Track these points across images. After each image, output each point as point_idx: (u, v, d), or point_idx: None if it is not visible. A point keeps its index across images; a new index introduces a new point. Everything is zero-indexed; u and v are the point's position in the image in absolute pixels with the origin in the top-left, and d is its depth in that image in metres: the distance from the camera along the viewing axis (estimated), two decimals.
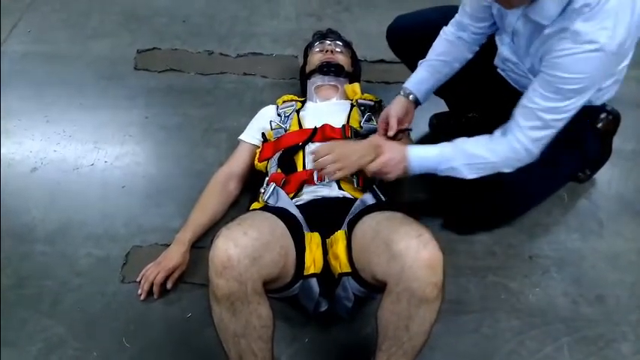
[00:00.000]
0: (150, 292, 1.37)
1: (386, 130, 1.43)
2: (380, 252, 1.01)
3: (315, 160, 1.28)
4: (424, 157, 1.29)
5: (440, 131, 1.81)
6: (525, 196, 1.49)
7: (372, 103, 1.62)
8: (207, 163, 1.72)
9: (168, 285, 1.38)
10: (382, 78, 2.01)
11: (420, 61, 1.47)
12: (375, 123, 1.54)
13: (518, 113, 1.21)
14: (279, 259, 1.07)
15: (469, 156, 1.25)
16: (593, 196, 1.67)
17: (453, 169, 1.27)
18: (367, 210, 1.20)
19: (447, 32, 1.43)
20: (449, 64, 1.45)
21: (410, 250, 0.95)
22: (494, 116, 1.57)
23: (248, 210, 1.42)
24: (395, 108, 1.45)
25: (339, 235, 1.20)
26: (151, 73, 2.04)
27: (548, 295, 1.44)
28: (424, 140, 1.81)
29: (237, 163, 1.59)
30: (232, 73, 2.04)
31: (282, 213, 1.20)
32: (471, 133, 1.73)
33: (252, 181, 1.57)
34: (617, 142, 1.60)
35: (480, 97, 1.59)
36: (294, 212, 1.27)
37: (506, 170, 1.26)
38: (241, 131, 1.66)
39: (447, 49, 1.43)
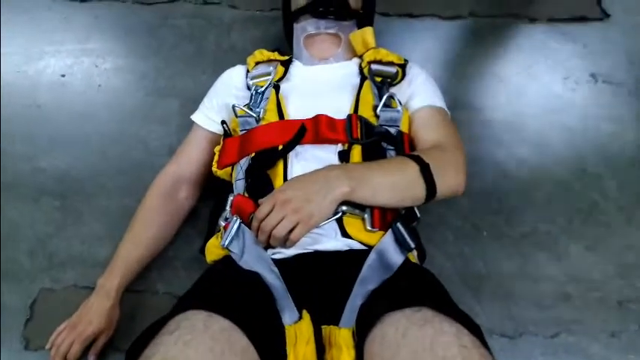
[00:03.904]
0: None
1: None
2: None
3: (255, 228, 0.81)
4: None
5: None
6: None
7: (394, 69, 1.02)
8: (148, 152, 1.19)
9: (90, 359, 0.94)
10: (404, 9, 1.38)
11: None
12: (398, 106, 0.96)
13: None
14: None
15: None
16: None
17: None
18: (390, 298, 0.71)
19: None
20: None
21: None
22: None
23: (204, 246, 0.93)
24: None
25: (344, 338, 0.72)
26: (70, 2, 1.40)
27: None
28: None
29: (189, 159, 1.06)
30: (187, 1, 1.41)
31: (245, 305, 0.72)
32: None
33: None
34: None
35: None
36: (268, 278, 0.79)
37: None
38: (200, 99, 1.10)
39: None
